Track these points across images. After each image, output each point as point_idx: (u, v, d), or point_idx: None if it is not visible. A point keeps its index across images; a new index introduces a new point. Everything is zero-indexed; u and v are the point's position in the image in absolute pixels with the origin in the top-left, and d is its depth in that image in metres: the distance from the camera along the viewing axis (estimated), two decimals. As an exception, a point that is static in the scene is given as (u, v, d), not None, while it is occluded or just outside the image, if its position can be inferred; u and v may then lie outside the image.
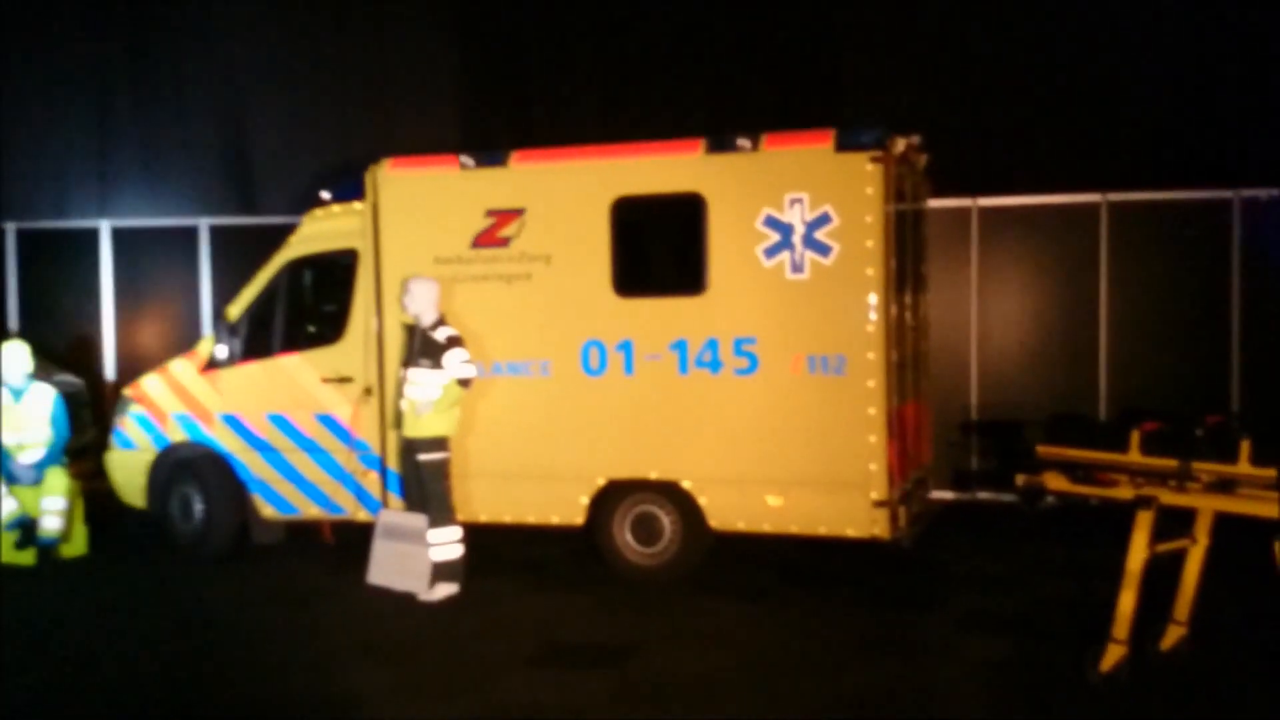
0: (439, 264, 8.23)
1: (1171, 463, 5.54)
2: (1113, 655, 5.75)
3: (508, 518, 8.28)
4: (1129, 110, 11.60)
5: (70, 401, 9.50)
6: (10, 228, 12.46)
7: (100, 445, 9.88)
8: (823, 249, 7.43)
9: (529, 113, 13.30)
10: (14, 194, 13.31)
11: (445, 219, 8.29)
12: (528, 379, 8.16)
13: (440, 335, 7.74)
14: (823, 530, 7.56)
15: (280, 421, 8.76)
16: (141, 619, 7.54)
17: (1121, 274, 10.08)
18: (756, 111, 12.15)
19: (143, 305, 12.46)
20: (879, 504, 7.36)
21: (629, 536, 8.07)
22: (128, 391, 9.36)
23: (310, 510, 8.79)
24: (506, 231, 8.17)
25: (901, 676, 6.15)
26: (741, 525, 7.76)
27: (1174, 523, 5.83)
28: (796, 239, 7.48)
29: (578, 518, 8.10)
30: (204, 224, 12.28)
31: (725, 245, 7.66)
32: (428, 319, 7.81)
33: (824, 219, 7.42)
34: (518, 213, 8.13)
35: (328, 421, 8.64)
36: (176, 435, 9.03)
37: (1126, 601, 5.70)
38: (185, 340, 11.42)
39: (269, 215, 12.11)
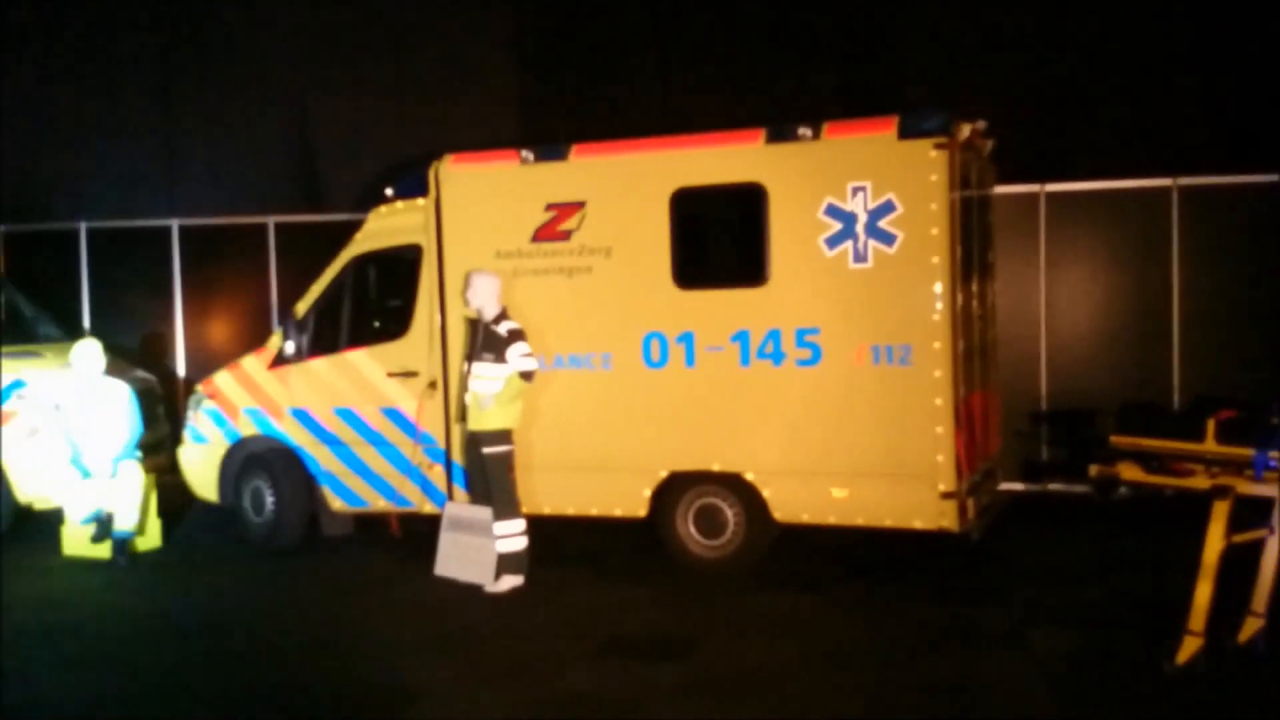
0: (500, 258, 8.28)
1: (1248, 451, 5.42)
2: (1189, 647, 5.64)
3: (571, 510, 8.32)
4: (1199, 91, 11.31)
5: (143, 397, 9.72)
6: (83, 227, 12.78)
7: (173, 440, 10.11)
8: (887, 238, 7.35)
9: (587, 106, 13.32)
10: (86, 194, 13.64)
11: (506, 213, 8.33)
12: (589, 372, 8.18)
13: (502, 329, 7.79)
14: (889, 522, 7.49)
15: (348, 415, 8.88)
16: (213, 610, 7.70)
17: (1193, 259, 9.85)
18: (816, 99, 12.06)
19: (212, 302, 12.73)
20: (947, 495, 7.26)
21: (692, 529, 8.06)
22: (201, 387, 9.56)
23: (378, 503, 8.91)
24: (567, 225, 8.19)
25: (969, 668, 6.08)
26: (806, 517, 7.72)
27: (1251, 512, 5.69)
28: (859, 228, 7.41)
29: (640, 510, 8.11)
30: (271, 222, 12.49)
31: (787, 235, 7.61)
32: (490, 313, 7.86)
33: (888, 207, 7.34)
34: (578, 206, 8.15)
35: (393, 415, 8.75)
36: (248, 429, 9.19)
37: (1203, 593, 5.59)
38: (253, 336, 11.64)
39: (334, 212, 12.28)
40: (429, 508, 8.65)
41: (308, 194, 13.56)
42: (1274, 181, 9.65)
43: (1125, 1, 11.60)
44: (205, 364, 11.81)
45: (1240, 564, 5.77)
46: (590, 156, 8.22)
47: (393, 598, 7.80)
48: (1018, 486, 10.05)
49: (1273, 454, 5.38)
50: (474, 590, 7.77)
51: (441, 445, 8.57)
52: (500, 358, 7.74)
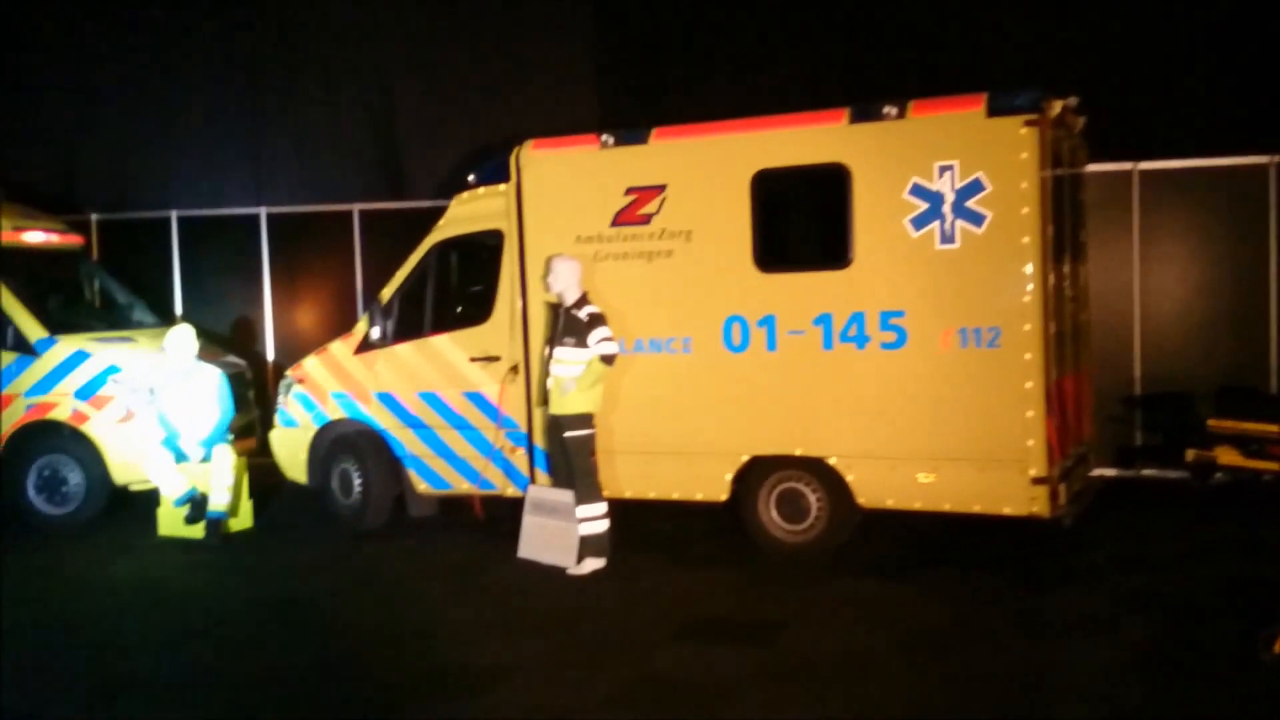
0: (580, 242, 8.29)
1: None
2: (1291, 639, 5.46)
3: (652, 493, 8.32)
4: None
5: (235, 382, 9.94)
6: (174, 216, 13.11)
7: (263, 423, 10.32)
8: (975, 217, 7.19)
9: (665, 89, 13.25)
10: (176, 184, 13.97)
11: (586, 198, 8.33)
12: (669, 356, 8.16)
13: (583, 313, 7.80)
14: (977, 508, 7.35)
15: (432, 399, 8.98)
16: (302, 589, 7.86)
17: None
18: (898, 78, 11.83)
19: (298, 288, 12.96)
20: (1038, 481, 7.11)
21: (774, 513, 8.01)
22: (290, 372, 9.74)
23: (461, 485, 9.00)
24: (647, 209, 8.17)
25: (1060, 656, 5.95)
26: (891, 503, 7.61)
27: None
28: (946, 208, 7.26)
29: (721, 494, 8.08)
30: (355, 209, 12.68)
31: (871, 216, 7.49)
32: (571, 297, 7.88)
33: (976, 186, 7.18)
34: (658, 189, 8.12)
35: (476, 399, 8.82)
36: (336, 413, 9.35)
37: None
38: (339, 321, 11.84)
39: (417, 199, 12.41)
40: (511, 491, 8.72)
41: (391, 182, 13.73)
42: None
43: (1222, -28, 11.19)
44: (292, 349, 12.05)
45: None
46: (670, 139, 8.18)
47: (476, 579, 7.88)
48: (1110, 472, 9.82)
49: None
50: (556, 573, 7.82)
51: (523, 429, 8.63)
52: (581, 342, 7.75)
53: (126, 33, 14.36)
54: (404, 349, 9.08)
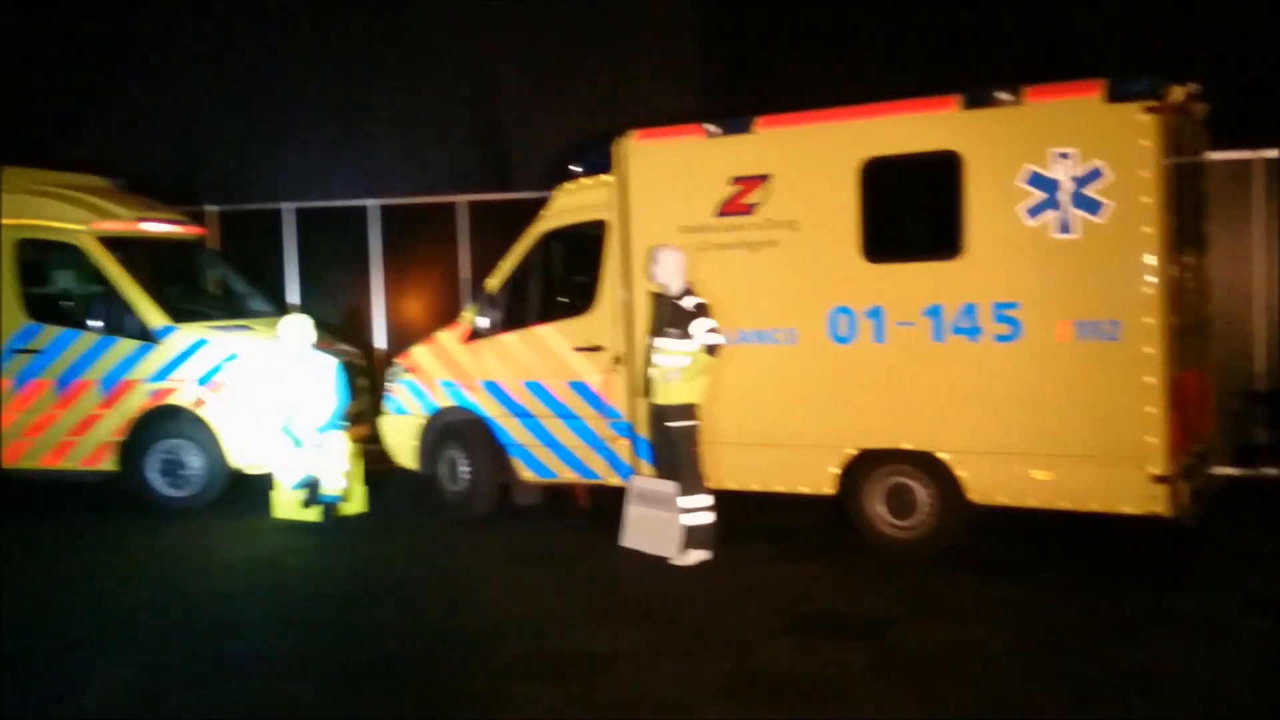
0: (684, 233, 8.27)
1: None
2: None
3: (755, 486, 8.28)
4: None
5: (348, 370, 10.16)
6: (288, 207, 13.48)
7: (374, 410, 10.55)
8: (1093, 206, 6.99)
9: (769, 78, 13.14)
10: (290, 177, 14.36)
11: (690, 188, 8.31)
12: (774, 347, 8.10)
13: (688, 304, 7.79)
14: (1094, 506, 7.15)
15: (537, 388, 9.08)
16: (411, 572, 8.01)
17: None
18: (1009, 64, 11.51)
19: (407, 278, 13.23)
20: (1158, 479, 6.88)
21: (882, 508, 7.90)
22: (400, 360, 9.94)
23: (565, 474, 9.08)
24: (752, 198, 8.12)
25: (1178, 658, 5.76)
26: (1004, 499, 7.45)
27: None
28: (1064, 196, 7.07)
29: (827, 487, 8.00)
30: (462, 201, 12.87)
31: (984, 205, 7.33)
32: (675, 288, 7.87)
33: (1094, 174, 6.97)
34: (763, 179, 8.06)
35: (581, 389, 8.89)
36: (444, 401, 9.51)
37: None
38: (446, 311, 12.03)
39: (522, 191, 12.54)
40: (615, 480, 8.77)
41: (496, 173, 13.89)
42: None
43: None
44: (401, 337, 12.29)
45: None
46: (775, 128, 8.11)
47: (580, 567, 7.94)
48: (1231, 471, 9.47)
49: None
50: (660, 563, 7.84)
51: (627, 419, 8.66)
52: (686, 333, 7.75)
53: (244, 30, 14.80)
54: (509, 338, 9.19)
